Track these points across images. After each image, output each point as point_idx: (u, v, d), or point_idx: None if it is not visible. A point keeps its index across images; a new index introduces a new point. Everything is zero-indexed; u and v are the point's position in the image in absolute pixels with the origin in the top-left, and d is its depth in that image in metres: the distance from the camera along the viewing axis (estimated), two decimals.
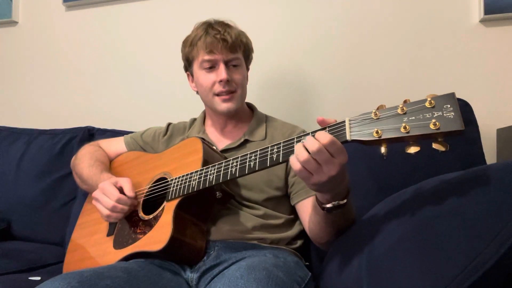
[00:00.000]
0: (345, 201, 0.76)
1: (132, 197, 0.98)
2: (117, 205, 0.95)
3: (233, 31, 1.05)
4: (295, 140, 0.73)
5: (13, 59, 1.88)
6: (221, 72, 1.02)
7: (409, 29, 1.36)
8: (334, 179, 0.68)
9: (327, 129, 0.69)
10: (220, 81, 1.02)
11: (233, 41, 1.02)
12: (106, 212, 0.96)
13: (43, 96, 1.82)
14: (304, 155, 0.66)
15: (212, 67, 1.04)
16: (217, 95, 1.04)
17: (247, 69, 1.14)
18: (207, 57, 1.02)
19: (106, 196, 0.96)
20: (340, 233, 0.87)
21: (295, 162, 0.68)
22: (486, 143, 1.12)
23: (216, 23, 1.06)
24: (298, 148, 0.67)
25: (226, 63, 1.03)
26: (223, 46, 1.01)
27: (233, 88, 1.04)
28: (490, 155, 1.21)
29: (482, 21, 1.29)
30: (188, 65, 1.12)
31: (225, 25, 1.05)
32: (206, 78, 1.04)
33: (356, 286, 0.68)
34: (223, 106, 1.05)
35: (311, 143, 0.66)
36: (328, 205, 0.76)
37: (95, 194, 0.99)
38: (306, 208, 0.97)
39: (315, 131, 0.70)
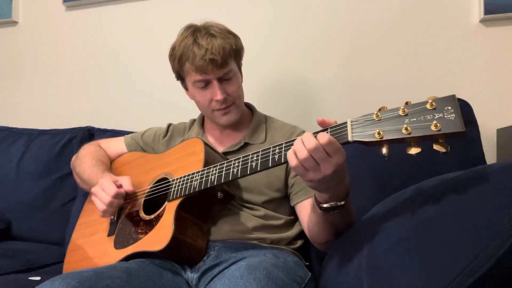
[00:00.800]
0: (343, 202, 0.76)
1: (130, 192, 0.98)
2: (114, 200, 0.96)
3: (218, 42, 0.98)
4: None
5: (13, 59, 1.88)
6: (216, 93, 1.00)
7: (409, 29, 1.36)
8: (330, 178, 0.68)
9: (328, 130, 0.70)
10: (217, 100, 1.01)
11: (222, 57, 0.97)
12: (102, 207, 0.97)
13: (43, 96, 1.82)
14: (303, 153, 0.66)
15: (206, 85, 1.01)
16: (216, 110, 1.04)
17: (241, 65, 1.10)
18: (199, 77, 1.00)
19: (104, 191, 0.97)
20: (339, 234, 0.87)
21: (292, 157, 0.68)
22: (486, 143, 1.12)
23: (200, 37, 0.98)
24: (297, 144, 0.68)
25: (220, 79, 1.01)
26: (213, 66, 0.97)
27: (230, 102, 1.03)
28: (490, 155, 1.21)
29: (482, 21, 1.29)
30: (180, 79, 1.09)
31: (209, 36, 0.98)
32: (202, 96, 1.03)
33: (356, 286, 0.68)
34: (223, 119, 1.04)
35: (309, 140, 0.66)
36: (326, 205, 0.76)
37: (94, 189, 1.00)
38: (305, 209, 0.97)
39: (317, 132, 0.70)
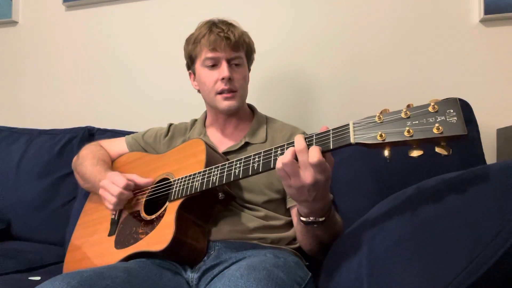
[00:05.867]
0: (322, 219, 0.78)
1: (143, 184, 1.00)
2: (123, 191, 0.96)
3: (236, 30, 1.06)
4: None
5: (13, 59, 1.88)
6: (224, 70, 1.02)
7: (410, 29, 1.36)
8: (308, 190, 0.71)
9: (331, 131, 0.70)
10: (222, 78, 1.02)
11: (236, 39, 1.04)
12: (112, 199, 0.97)
13: (43, 96, 1.82)
14: (287, 156, 0.70)
15: (215, 65, 1.04)
16: (219, 93, 1.05)
17: (249, 69, 1.14)
18: (210, 54, 1.03)
19: (114, 184, 0.98)
20: (323, 245, 0.89)
21: (278, 161, 0.72)
22: (486, 143, 1.12)
23: (220, 22, 1.07)
24: (287, 150, 0.71)
25: (229, 61, 1.04)
26: (226, 44, 1.02)
27: (235, 88, 1.05)
28: (490, 155, 1.21)
29: (482, 21, 1.29)
30: (190, 63, 1.12)
31: (228, 24, 1.07)
32: (209, 76, 1.05)
33: (356, 286, 0.68)
34: (224, 104, 1.05)
35: (298, 143, 0.70)
36: (304, 219, 0.80)
37: (103, 183, 1.00)
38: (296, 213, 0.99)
39: (310, 138, 0.72)
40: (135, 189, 1.02)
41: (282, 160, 0.70)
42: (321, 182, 0.70)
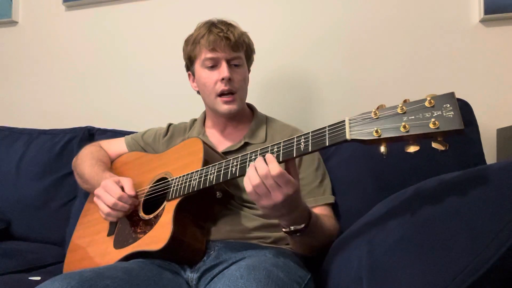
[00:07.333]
0: (302, 226, 0.79)
1: (133, 196, 0.98)
2: (118, 202, 0.96)
3: (236, 30, 1.05)
4: (295, 140, 0.74)
5: (13, 59, 1.88)
6: (224, 70, 1.02)
7: (409, 29, 1.36)
8: (280, 206, 0.72)
9: (327, 128, 0.70)
10: (222, 79, 1.02)
11: (236, 40, 1.03)
12: (106, 209, 0.97)
13: (43, 96, 1.82)
14: (256, 179, 0.71)
15: (214, 65, 1.04)
16: (219, 95, 1.05)
17: (248, 70, 1.14)
18: (209, 55, 1.03)
19: (108, 193, 0.97)
20: (318, 249, 0.90)
21: (247, 184, 0.73)
22: (486, 143, 1.12)
23: (219, 22, 1.06)
24: (250, 170, 0.73)
25: (228, 62, 1.04)
26: (226, 44, 1.02)
27: (234, 89, 1.04)
28: (490, 155, 1.21)
29: (482, 21, 1.29)
30: (189, 64, 1.12)
31: (228, 25, 1.06)
32: (208, 77, 1.05)
33: (356, 286, 0.68)
34: (224, 107, 1.05)
35: (261, 168, 0.71)
36: (285, 230, 0.81)
37: (97, 191, 0.99)
38: None
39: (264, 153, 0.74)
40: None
41: (252, 183, 0.71)
42: (290, 195, 0.71)
